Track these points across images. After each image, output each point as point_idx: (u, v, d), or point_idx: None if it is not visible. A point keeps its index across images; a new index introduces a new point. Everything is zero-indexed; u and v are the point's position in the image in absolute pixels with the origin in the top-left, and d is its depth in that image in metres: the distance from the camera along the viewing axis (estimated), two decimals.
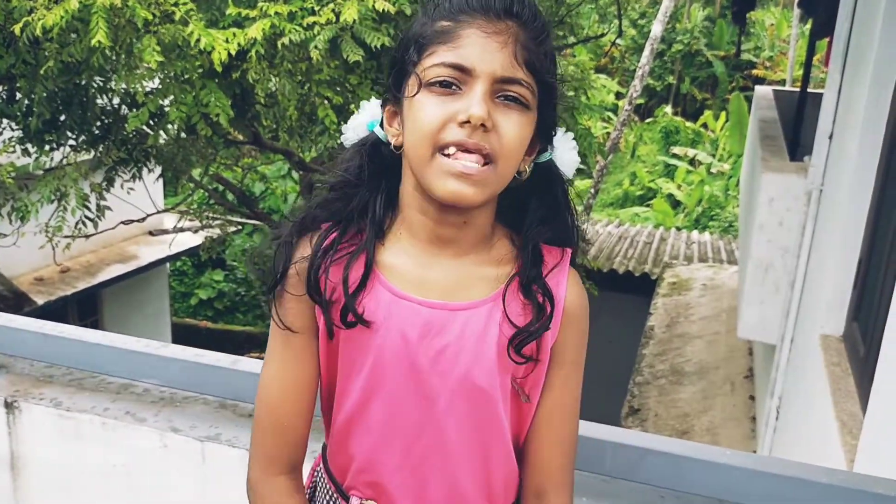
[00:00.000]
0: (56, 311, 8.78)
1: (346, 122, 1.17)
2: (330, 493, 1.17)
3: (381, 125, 1.09)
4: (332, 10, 3.07)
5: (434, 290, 1.06)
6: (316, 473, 1.22)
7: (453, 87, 0.98)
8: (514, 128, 0.99)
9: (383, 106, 1.09)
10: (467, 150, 0.97)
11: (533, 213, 1.09)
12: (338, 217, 1.09)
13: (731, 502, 1.60)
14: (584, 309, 1.13)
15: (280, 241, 1.11)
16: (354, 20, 2.99)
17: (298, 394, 1.12)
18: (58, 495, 2.08)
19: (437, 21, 0.99)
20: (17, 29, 3.19)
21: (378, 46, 3.08)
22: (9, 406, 2.07)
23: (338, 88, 3.38)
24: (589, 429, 1.66)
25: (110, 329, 10.09)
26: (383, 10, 3.04)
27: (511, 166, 1.01)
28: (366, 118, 1.11)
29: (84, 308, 9.99)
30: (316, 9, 3.13)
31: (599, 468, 1.66)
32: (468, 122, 0.96)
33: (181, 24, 3.19)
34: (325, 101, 3.37)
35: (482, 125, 0.96)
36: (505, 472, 1.13)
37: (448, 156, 0.98)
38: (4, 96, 4.42)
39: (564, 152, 1.10)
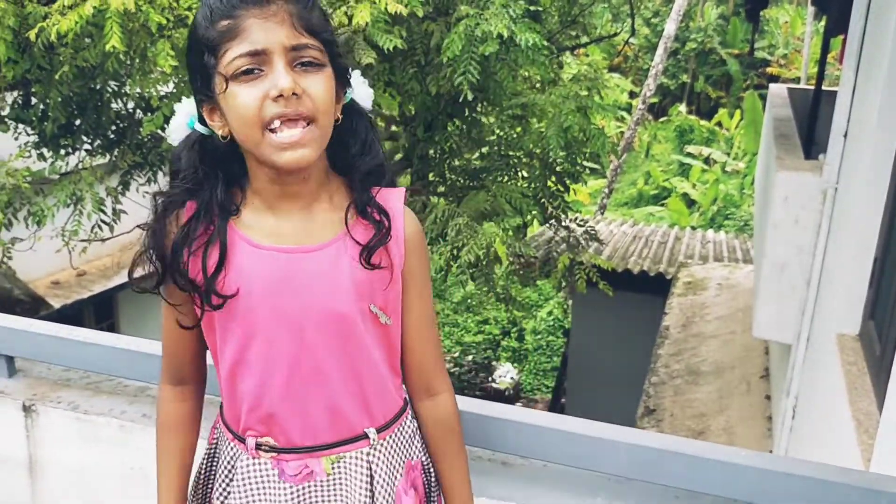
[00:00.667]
0: (72, 315, 8.84)
1: None
2: (228, 441, 1.32)
3: (202, 121, 1.19)
4: (345, 13, 3.08)
5: (289, 238, 1.21)
6: (216, 429, 1.38)
7: (255, 71, 1.09)
8: (318, 86, 1.12)
9: (199, 104, 1.18)
10: (290, 120, 1.10)
11: (352, 149, 1.24)
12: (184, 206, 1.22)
13: (744, 502, 1.59)
14: (421, 234, 1.31)
15: (145, 240, 1.24)
16: (367, 23, 3.01)
17: (185, 343, 1.32)
18: (76, 498, 2.10)
19: (218, 22, 1.10)
20: (32, 34, 3.21)
21: (391, 48, 3.09)
22: (27, 409, 2.09)
23: None
24: (603, 429, 1.66)
25: (126, 332, 10.13)
26: (395, 12, 3.05)
27: (329, 119, 1.15)
28: (184, 118, 1.23)
29: (100, 311, 10.05)
30: (329, 12, 3.14)
31: (614, 469, 1.66)
32: (281, 95, 1.08)
33: None
34: None
35: (294, 94, 1.09)
36: (378, 389, 1.29)
37: (274, 131, 1.11)
38: (20, 101, 4.45)
39: (359, 88, 1.25)
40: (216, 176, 1.21)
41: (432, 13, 3.59)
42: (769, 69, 21.27)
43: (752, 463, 1.58)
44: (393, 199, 1.26)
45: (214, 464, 1.38)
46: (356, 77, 1.26)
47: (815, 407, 4.09)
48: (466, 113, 4.43)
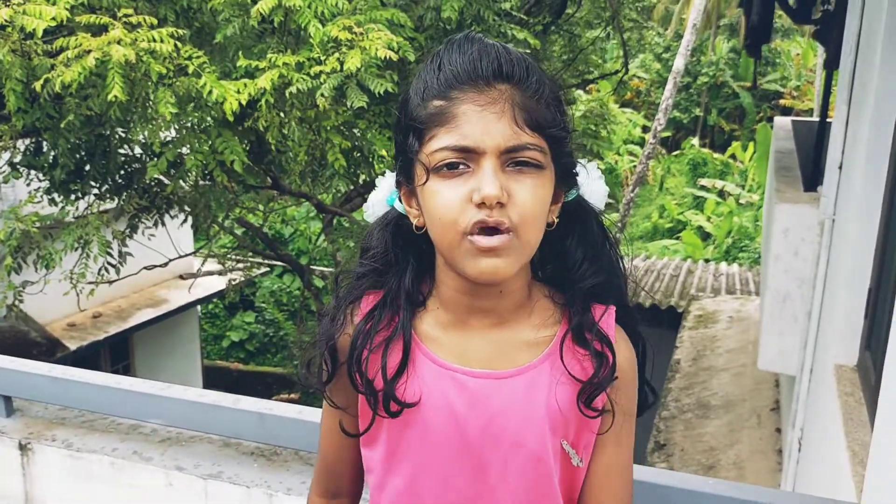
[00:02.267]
0: (88, 356, 8.95)
1: (354, 167, 1.21)
2: None
3: (400, 200, 1.08)
4: (338, 59, 3.18)
5: (476, 360, 1.05)
6: None
7: (461, 166, 0.95)
8: (529, 194, 0.96)
9: (398, 185, 1.07)
10: (489, 228, 0.95)
11: (572, 255, 1.06)
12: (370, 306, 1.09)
13: None
14: (634, 364, 1.10)
15: (321, 328, 1.12)
16: (358, 68, 3.10)
17: (345, 454, 1.17)
18: None
19: (430, 101, 0.97)
20: (38, 86, 3.34)
21: (382, 92, 3.18)
22: (23, 448, 2.15)
23: (346, 133, 3.48)
24: None
25: (141, 372, 10.24)
26: (386, 57, 3.14)
27: (535, 231, 0.99)
28: (384, 194, 1.11)
29: (116, 352, 10.16)
30: (322, 58, 3.25)
31: None
32: (483, 203, 0.94)
33: (194, 77, 3.33)
34: (335, 146, 3.47)
35: (499, 203, 0.94)
36: None
37: (474, 235, 0.95)
38: (32, 149, 4.59)
39: (592, 184, 1.07)
40: (407, 262, 1.08)
41: (424, 57, 3.69)
42: (782, 101, 21.33)
43: (751, 497, 1.60)
44: (607, 320, 1.06)
45: None
46: (591, 170, 1.08)
47: (817, 439, 4.07)
48: None
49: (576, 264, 1.05)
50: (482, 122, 0.94)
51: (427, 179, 0.97)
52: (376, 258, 1.09)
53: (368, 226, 1.15)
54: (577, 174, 1.06)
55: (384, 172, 1.15)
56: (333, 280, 1.14)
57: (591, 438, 1.07)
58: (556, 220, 1.03)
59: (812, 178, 5.53)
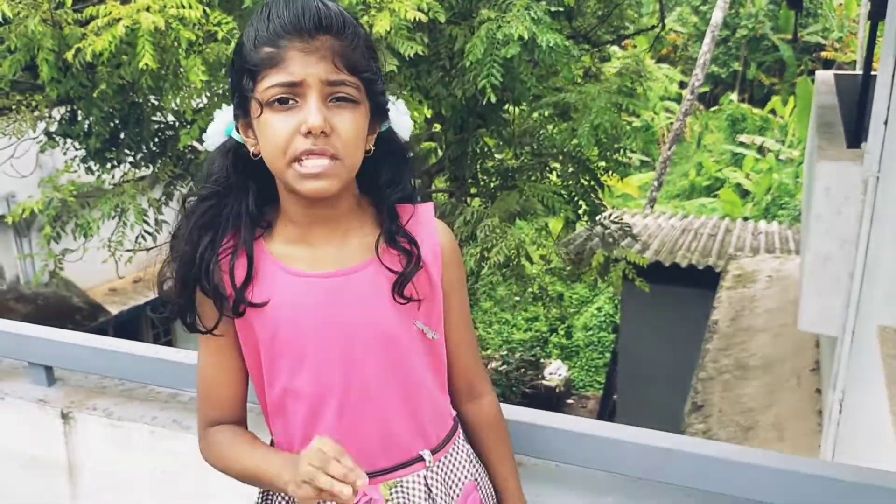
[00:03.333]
0: (130, 321, 9.10)
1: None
2: None
3: (237, 130, 1.20)
4: (367, 22, 3.13)
5: (326, 263, 1.21)
6: None
7: (290, 101, 1.11)
8: (348, 125, 1.13)
9: (236, 117, 1.20)
10: (314, 154, 1.11)
11: (382, 179, 1.25)
12: (215, 225, 1.21)
13: (755, 501, 1.59)
14: (454, 243, 1.33)
15: (172, 260, 1.23)
16: (388, 31, 3.05)
17: (224, 378, 1.29)
18: (111, 500, 2.18)
19: (261, 48, 1.11)
20: (69, 55, 3.34)
21: (413, 55, 3.13)
22: (65, 417, 2.18)
23: None
24: (613, 430, 1.68)
25: (181, 335, 10.40)
26: (416, 19, 3.09)
27: (355, 156, 1.16)
28: (222, 125, 1.23)
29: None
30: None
31: (625, 469, 1.67)
32: (310, 132, 1.09)
33: (224, 43, 3.30)
34: None
35: (322, 132, 1.10)
36: (431, 408, 1.30)
37: (300, 161, 1.11)
38: (67, 118, 4.62)
39: (398, 118, 1.25)
40: (247, 186, 1.22)
41: (455, 17, 3.62)
42: (823, 53, 20.77)
43: (762, 462, 1.58)
44: (425, 215, 1.28)
45: (270, 495, 1.35)
46: (398, 107, 1.26)
47: (859, 401, 4.01)
48: (496, 114, 4.46)
49: (385, 184, 1.25)
50: (306, 63, 1.09)
51: (261, 113, 1.12)
52: (218, 182, 1.21)
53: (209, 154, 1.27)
54: (388, 111, 1.23)
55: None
56: (180, 203, 1.25)
57: (439, 315, 1.27)
58: (373, 148, 1.21)
59: (855, 134, 5.37)
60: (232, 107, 1.21)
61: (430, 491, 1.28)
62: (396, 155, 1.26)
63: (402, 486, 1.26)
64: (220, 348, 1.26)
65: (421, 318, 1.24)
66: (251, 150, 1.18)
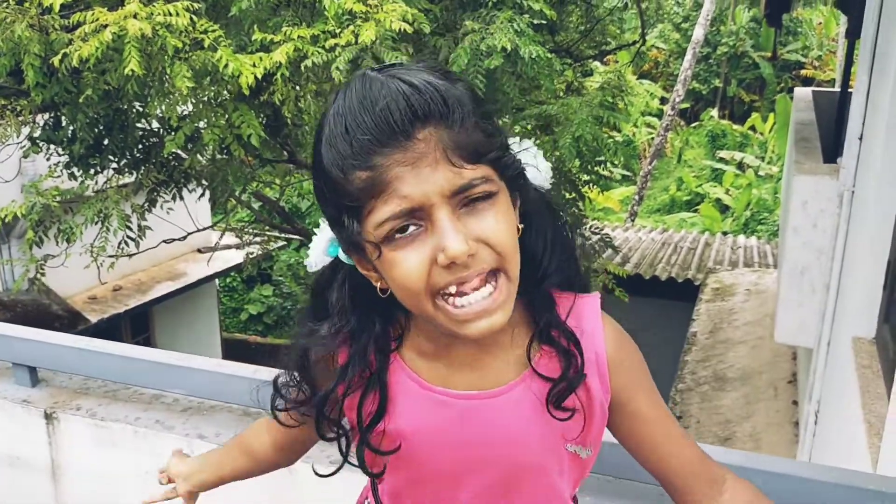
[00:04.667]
0: (109, 329, 9.06)
1: None
2: None
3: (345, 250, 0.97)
4: (352, 32, 3.17)
5: (462, 384, 1.00)
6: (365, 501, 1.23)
7: (411, 227, 0.86)
8: (497, 227, 0.87)
9: (345, 251, 0.97)
10: (468, 283, 0.87)
11: (532, 251, 0.97)
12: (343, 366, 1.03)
13: None
14: (624, 339, 1.04)
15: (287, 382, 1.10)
16: (373, 41, 3.10)
17: (302, 439, 1.21)
18: (95, 500, 2.19)
19: (352, 174, 0.85)
20: (56, 61, 3.36)
21: None
22: (49, 417, 2.19)
23: None
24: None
25: (161, 343, 10.36)
26: (401, 29, 3.13)
27: (516, 259, 0.90)
28: (323, 244, 1.01)
29: (136, 325, 10.29)
30: (337, 31, 3.25)
31: (600, 467, 1.70)
32: (454, 262, 0.85)
33: (210, 51, 3.33)
34: None
35: (469, 255, 0.85)
36: None
37: (451, 296, 0.88)
38: (51, 123, 4.62)
39: (536, 164, 0.98)
40: (372, 318, 1.00)
41: (440, 29, 3.68)
42: (803, 71, 21.05)
43: (741, 462, 1.61)
44: (587, 310, 1.01)
45: None
46: (530, 153, 0.98)
47: (833, 411, 4.08)
48: None
49: (538, 260, 0.97)
50: (418, 178, 0.83)
51: (381, 254, 0.88)
52: (339, 323, 1.00)
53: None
54: (525, 172, 0.96)
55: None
56: (293, 344, 1.05)
57: (599, 431, 1.03)
58: (520, 227, 0.94)
59: (832, 149, 5.47)
60: (326, 224, 0.98)
61: None
62: (544, 219, 0.99)
63: None
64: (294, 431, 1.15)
65: (573, 440, 1.01)
66: (377, 285, 0.95)
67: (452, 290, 0.87)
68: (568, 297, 1.00)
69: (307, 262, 1.05)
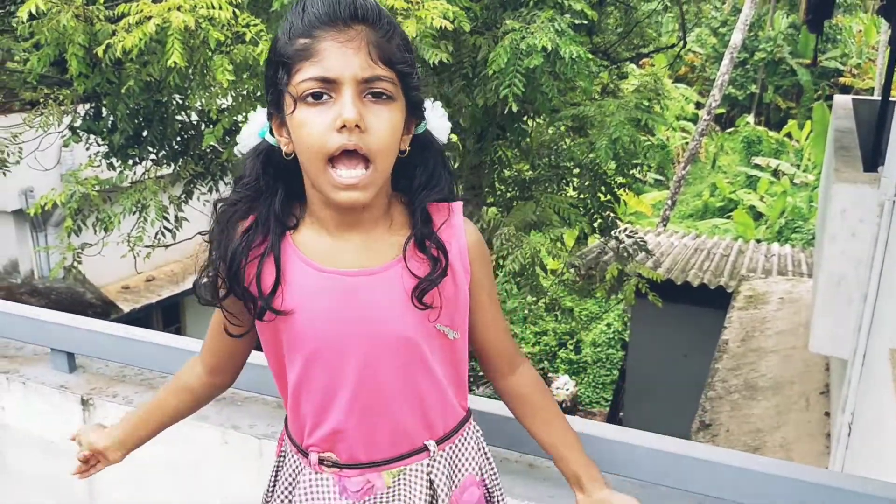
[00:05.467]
0: (141, 318, 9.16)
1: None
2: (293, 454, 1.34)
3: (271, 132, 1.20)
4: None
5: (349, 261, 1.20)
6: (283, 443, 1.40)
7: (324, 96, 1.09)
8: (383, 123, 1.11)
9: (269, 117, 1.20)
10: (349, 157, 1.10)
11: (417, 180, 1.23)
12: (246, 226, 1.22)
13: None
14: (481, 241, 1.31)
15: (209, 262, 1.25)
16: (414, 38, 3.09)
17: (229, 344, 1.35)
18: (128, 488, 2.20)
19: (296, 39, 1.10)
20: (99, 51, 3.40)
21: (437, 62, 3.17)
22: (85, 403, 2.21)
23: None
24: (624, 434, 1.69)
25: (192, 335, 10.44)
26: (441, 27, 3.13)
27: (389, 158, 1.14)
28: (256, 128, 1.23)
29: (168, 315, 10.38)
30: None
31: (636, 472, 1.69)
32: (344, 126, 1.08)
33: (252, 45, 3.35)
34: None
35: (357, 126, 1.08)
36: (440, 402, 1.30)
37: (335, 166, 1.11)
38: (92, 114, 4.68)
39: (435, 121, 1.24)
40: (276, 188, 1.22)
41: (480, 27, 3.67)
42: (841, 79, 20.77)
43: (774, 471, 1.60)
44: (455, 212, 1.26)
45: (278, 474, 1.40)
46: (435, 109, 1.24)
47: (868, 424, 4.01)
48: (515, 124, 4.49)
49: (419, 185, 1.23)
50: (341, 56, 1.08)
51: (295, 108, 1.10)
52: (248, 186, 1.21)
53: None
54: (424, 109, 1.21)
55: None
56: (212, 206, 1.24)
57: (463, 315, 1.27)
58: (408, 149, 1.19)
59: (872, 158, 5.39)
60: (265, 109, 1.21)
61: (432, 480, 1.29)
62: (433, 155, 1.25)
63: (404, 475, 1.28)
64: (231, 325, 1.30)
65: (443, 321, 1.23)
66: (284, 148, 1.17)
67: (340, 168, 1.10)
68: (443, 208, 1.25)
69: (237, 146, 1.27)
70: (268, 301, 1.20)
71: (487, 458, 1.41)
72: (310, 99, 1.09)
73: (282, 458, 1.40)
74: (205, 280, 1.25)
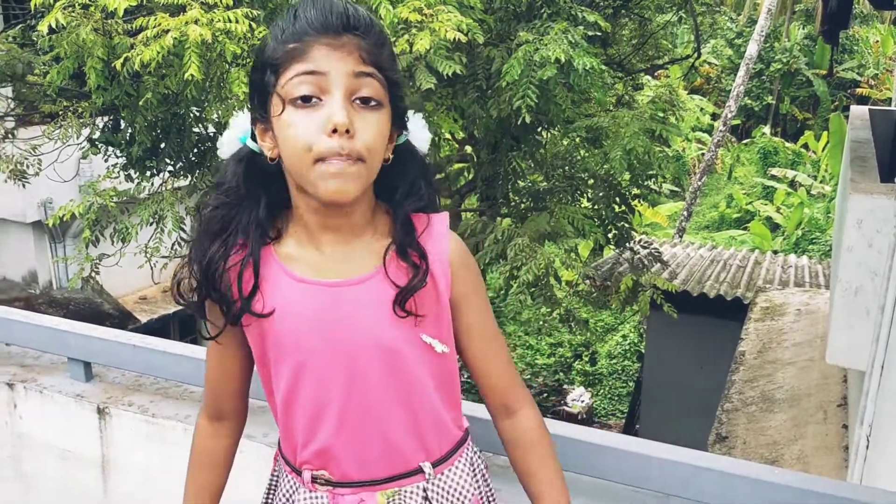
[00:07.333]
0: (158, 329, 9.21)
1: None
2: (286, 473, 1.33)
3: (254, 138, 1.19)
4: (407, 41, 3.19)
5: (332, 271, 1.19)
6: (276, 462, 1.39)
7: (314, 99, 1.08)
8: (372, 129, 1.11)
9: (253, 122, 1.18)
10: (340, 156, 1.08)
11: (399, 188, 1.23)
12: (225, 234, 1.21)
13: None
14: (466, 253, 1.29)
15: (187, 264, 1.24)
16: (427, 50, 3.11)
17: (225, 374, 1.33)
18: (144, 496, 2.21)
19: (286, 44, 1.10)
20: (118, 64, 3.44)
21: (450, 74, 3.19)
22: (101, 412, 2.23)
23: None
24: (642, 445, 1.68)
25: (208, 346, 10.48)
26: (455, 39, 3.15)
27: (377, 160, 1.14)
28: (237, 133, 1.22)
29: (184, 325, 10.43)
30: (392, 40, 3.28)
31: (646, 483, 1.68)
32: (335, 130, 1.07)
33: None
34: None
35: (346, 130, 1.07)
36: (433, 421, 1.27)
37: (324, 163, 1.09)
38: (110, 126, 4.73)
39: (417, 132, 1.24)
40: (258, 195, 1.20)
41: (493, 39, 3.68)
42: (858, 90, 20.66)
43: (791, 482, 1.59)
44: (438, 226, 1.25)
45: (273, 494, 1.39)
46: (416, 120, 1.25)
47: (887, 437, 3.97)
48: (529, 136, 4.50)
49: (401, 194, 1.22)
50: (331, 57, 1.08)
51: (283, 110, 1.09)
52: (230, 192, 1.20)
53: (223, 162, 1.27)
54: (408, 119, 1.22)
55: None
56: (195, 211, 1.19)
57: (448, 328, 1.24)
58: (390, 157, 1.19)
59: (889, 168, 5.36)
60: (248, 115, 1.20)
61: (430, 503, 1.27)
62: (414, 164, 1.24)
63: (400, 496, 1.26)
64: (224, 348, 1.29)
65: (428, 332, 1.21)
66: (268, 154, 1.16)
67: (326, 158, 1.08)
68: (424, 218, 1.24)
69: (219, 151, 1.26)
70: (247, 304, 1.19)
71: (487, 484, 1.38)
72: (299, 101, 1.09)
73: (275, 478, 1.40)
74: (178, 279, 1.24)
